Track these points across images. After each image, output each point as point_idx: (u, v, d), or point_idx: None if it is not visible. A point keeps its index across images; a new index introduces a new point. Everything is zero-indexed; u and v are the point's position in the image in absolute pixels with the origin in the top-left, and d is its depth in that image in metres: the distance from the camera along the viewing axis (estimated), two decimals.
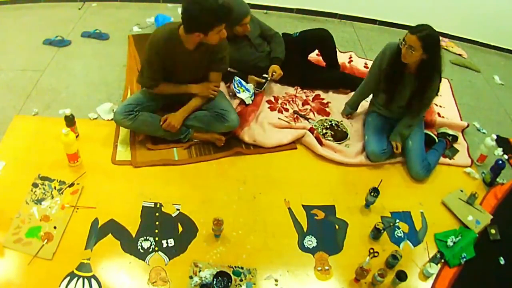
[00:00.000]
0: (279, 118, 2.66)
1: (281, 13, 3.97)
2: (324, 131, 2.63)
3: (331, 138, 2.57)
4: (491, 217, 2.23)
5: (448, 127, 2.78)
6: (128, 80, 2.78)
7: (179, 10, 3.75)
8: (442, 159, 2.55)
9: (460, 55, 3.85)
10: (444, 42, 3.98)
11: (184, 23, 2.01)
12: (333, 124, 2.68)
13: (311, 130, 2.57)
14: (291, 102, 2.82)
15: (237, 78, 2.76)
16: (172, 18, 3.38)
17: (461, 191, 2.36)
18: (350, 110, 2.74)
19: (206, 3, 1.89)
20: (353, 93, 2.74)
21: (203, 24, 1.96)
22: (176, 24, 2.11)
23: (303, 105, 2.81)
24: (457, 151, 2.65)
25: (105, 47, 3.14)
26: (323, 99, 2.89)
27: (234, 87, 2.68)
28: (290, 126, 2.61)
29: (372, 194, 2.14)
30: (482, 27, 3.94)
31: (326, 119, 2.71)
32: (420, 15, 3.97)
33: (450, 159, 2.59)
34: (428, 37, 2.13)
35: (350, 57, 3.41)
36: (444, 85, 3.34)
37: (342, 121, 2.73)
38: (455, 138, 2.71)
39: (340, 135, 2.61)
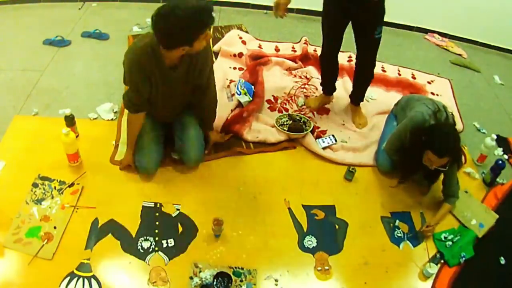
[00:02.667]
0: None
1: None
2: (284, 119, 2.60)
3: (286, 129, 2.52)
4: (497, 216, 2.20)
5: None
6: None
7: None
8: None
9: (460, 55, 3.85)
10: (444, 42, 3.98)
11: (162, 41, 1.71)
12: (301, 119, 2.62)
13: (312, 131, 2.58)
14: (290, 101, 2.81)
15: (242, 80, 2.76)
16: None
17: (466, 192, 2.35)
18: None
19: (185, 11, 1.59)
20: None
21: (186, 37, 1.68)
22: (154, 38, 1.74)
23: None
24: None
25: (105, 47, 3.14)
26: None
27: (237, 88, 2.68)
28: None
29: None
30: (482, 27, 3.94)
31: (297, 114, 2.67)
32: (420, 15, 4.00)
33: None
34: (454, 151, 2.01)
35: (350, 57, 3.41)
36: (445, 85, 3.34)
37: (309, 120, 2.63)
38: None
39: (294, 127, 2.53)
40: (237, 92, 2.66)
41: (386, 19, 4.29)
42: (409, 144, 2.14)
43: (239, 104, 2.65)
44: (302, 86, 2.97)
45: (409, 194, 2.35)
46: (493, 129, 2.93)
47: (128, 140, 2.14)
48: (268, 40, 3.47)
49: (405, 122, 2.25)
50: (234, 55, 3.13)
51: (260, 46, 3.34)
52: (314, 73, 3.12)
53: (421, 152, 2.03)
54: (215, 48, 3.20)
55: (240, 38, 3.37)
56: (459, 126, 2.87)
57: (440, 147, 1.94)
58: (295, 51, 3.37)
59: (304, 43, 3.40)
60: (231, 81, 2.85)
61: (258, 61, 3.07)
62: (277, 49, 3.35)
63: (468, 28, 4.00)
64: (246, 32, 3.53)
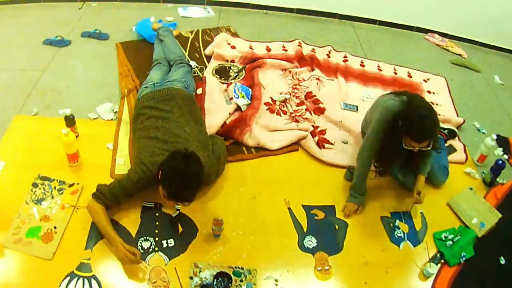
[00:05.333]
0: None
1: (281, 13, 3.97)
2: None
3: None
4: (500, 215, 2.20)
5: (443, 123, 2.78)
6: (122, 90, 2.69)
7: (179, 10, 3.79)
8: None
9: (460, 55, 3.85)
10: (444, 42, 3.98)
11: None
12: None
13: (313, 133, 2.58)
14: (286, 104, 2.79)
15: (239, 83, 2.76)
16: (152, 19, 3.37)
17: (471, 189, 2.34)
18: (361, 198, 2.20)
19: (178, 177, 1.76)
20: (352, 173, 2.24)
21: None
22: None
23: (298, 105, 2.80)
24: (454, 150, 2.63)
25: (105, 47, 3.14)
26: (314, 96, 2.88)
27: (234, 92, 2.68)
28: (292, 129, 2.59)
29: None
30: (482, 27, 3.94)
31: None
32: (420, 15, 4.00)
33: None
34: (433, 133, 1.94)
35: (345, 57, 3.41)
36: (440, 83, 3.35)
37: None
38: (452, 132, 2.70)
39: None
40: (235, 96, 2.65)
41: (386, 19, 4.31)
42: (387, 133, 2.05)
43: (238, 108, 2.64)
44: (294, 87, 2.96)
45: (409, 194, 2.34)
46: (493, 129, 2.93)
47: (104, 234, 1.84)
48: (261, 40, 3.48)
49: (377, 118, 2.11)
50: (227, 61, 3.12)
51: (251, 47, 3.33)
52: (306, 75, 3.10)
53: (400, 136, 1.97)
54: (207, 51, 3.18)
55: (229, 44, 3.34)
56: (457, 119, 2.89)
57: (418, 134, 1.90)
58: (286, 50, 3.37)
59: (298, 45, 3.39)
60: (228, 84, 2.84)
61: (252, 64, 3.06)
62: (268, 49, 3.35)
63: (468, 28, 4.00)
64: (235, 33, 3.52)
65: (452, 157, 2.59)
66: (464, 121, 2.88)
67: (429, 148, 1.97)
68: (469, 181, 2.49)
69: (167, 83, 2.33)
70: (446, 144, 2.65)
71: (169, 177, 1.78)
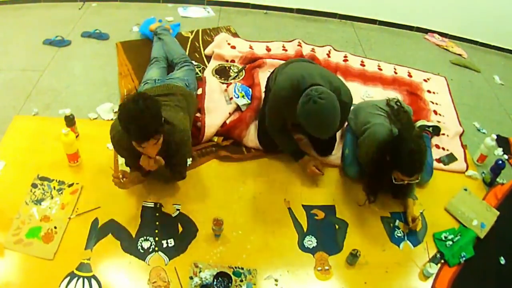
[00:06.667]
0: None
1: (281, 13, 3.97)
2: None
3: None
4: (498, 213, 2.20)
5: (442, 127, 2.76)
6: (121, 91, 2.69)
7: (179, 10, 3.79)
8: (436, 165, 2.50)
9: (460, 55, 3.85)
10: (444, 42, 3.98)
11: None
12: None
13: None
14: None
15: (239, 83, 2.76)
16: (155, 19, 3.37)
17: (465, 189, 2.34)
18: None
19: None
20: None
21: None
22: None
23: None
24: (455, 159, 2.59)
25: (105, 47, 3.13)
26: None
27: (234, 91, 2.67)
28: None
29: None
30: (482, 27, 3.94)
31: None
32: (420, 15, 4.00)
33: (445, 164, 2.53)
34: (422, 166, 1.91)
35: (345, 57, 3.40)
36: (441, 83, 3.35)
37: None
38: (436, 129, 2.69)
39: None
40: (235, 95, 2.65)
41: (386, 19, 4.30)
42: (376, 163, 2.02)
43: (237, 108, 2.64)
44: None
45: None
46: (493, 129, 2.93)
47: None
48: (261, 40, 3.47)
49: (368, 140, 2.09)
50: (227, 61, 3.12)
51: (251, 47, 3.33)
52: None
53: (388, 170, 1.95)
54: (207, 51, 3.18)
55: (229, 44, 3.33)
56: (458, 128, 2.86)
57: (408, 169, 1.88)
58: (286, 50, 3.36)
59: (298, 45, 3.39)
60: (228, 84, 2.83)
61: (252, 64, 3.06)
62: (268, 49, 3.35)
63: (468, 28, 4.00)
64: (235, 33, 3.52)
65: (452, 166, 2.55)
66: (463, 131, 2.86)
67: (417, 180, 1.96)
68: (469, 181, 2.48)
69: (168, 80, 2.34)
70: (448, 153, 2.62)
71: (122, 118, 1.66)
